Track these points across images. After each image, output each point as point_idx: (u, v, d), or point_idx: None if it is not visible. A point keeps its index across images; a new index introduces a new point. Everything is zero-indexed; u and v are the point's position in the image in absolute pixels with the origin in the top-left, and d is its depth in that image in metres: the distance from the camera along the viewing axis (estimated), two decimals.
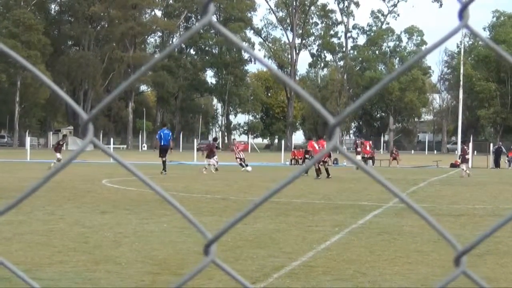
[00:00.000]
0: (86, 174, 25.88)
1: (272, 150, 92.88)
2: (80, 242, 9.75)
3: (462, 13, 0.96)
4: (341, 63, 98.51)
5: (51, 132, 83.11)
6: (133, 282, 7.24)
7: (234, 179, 25.61)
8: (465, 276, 1.06)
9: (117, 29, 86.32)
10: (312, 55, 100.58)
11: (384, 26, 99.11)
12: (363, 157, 39.13)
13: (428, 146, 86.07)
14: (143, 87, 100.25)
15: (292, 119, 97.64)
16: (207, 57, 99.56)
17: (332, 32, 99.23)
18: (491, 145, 49.55)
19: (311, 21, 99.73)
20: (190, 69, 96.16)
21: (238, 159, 33.05)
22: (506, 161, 45.80)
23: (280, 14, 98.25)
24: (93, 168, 30.99)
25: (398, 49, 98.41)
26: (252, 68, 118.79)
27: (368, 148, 42.27)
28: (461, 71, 57.98)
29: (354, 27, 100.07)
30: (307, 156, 37.10)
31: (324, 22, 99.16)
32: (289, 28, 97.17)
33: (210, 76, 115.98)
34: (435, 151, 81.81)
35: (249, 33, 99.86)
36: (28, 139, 50.29)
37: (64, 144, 34.95)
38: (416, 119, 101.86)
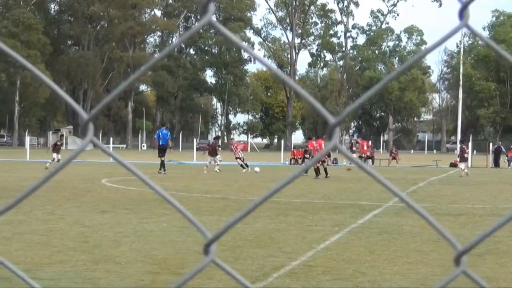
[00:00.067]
0: (85, 174, 25.88)
1: (272, 149, 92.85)
2: (80, 242, 9.75)
3: (463, 13, 0.96)
4: (341, 62, 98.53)
5: (50, 132, 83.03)
6: (132, 282, 7.24)
7: (234, 179, 25.60)
8: (465, 276, 1.06)
9: (116, 29, 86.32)
10: (312, 54, 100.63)
11: (383, 26, 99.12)
12: (360, 157, 39.08)
13: (428, 146, 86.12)
14: (143, 87, 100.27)
15: (291, 119, 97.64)
16: (206, 57, 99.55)
17: (331, 31, 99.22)
18: (491, 144, 49.56)
19: (310, 20, 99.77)
20: (189, 69, 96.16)
21: (239, 160, 32.71)
22: (506, 161, 45.80)
23: (280, 13, 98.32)
24: (92, 167, 30.97)
25: (397, 49, 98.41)
26: (252, 67, 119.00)
27: (365, 147, 42.21)
28: (461, 70, 58.08)
29: (353, 26, 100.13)
30: (306, 156, 37.06)
31: (324, 22, 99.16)
32: (288, 28, 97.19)
33: (209, 76, 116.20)
34: (435, 151, 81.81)
35: (249, 33, 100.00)
36: (27, 139, 50.27)
37: (63, 144, 34.93)
38: (415, 119, 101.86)
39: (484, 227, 10.86)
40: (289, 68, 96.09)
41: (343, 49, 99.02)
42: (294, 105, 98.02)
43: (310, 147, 30.44)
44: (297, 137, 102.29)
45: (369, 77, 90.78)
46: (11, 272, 1.11)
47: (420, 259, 8.81)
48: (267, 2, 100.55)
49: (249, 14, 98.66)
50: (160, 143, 29.28)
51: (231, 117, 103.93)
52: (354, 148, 40.74)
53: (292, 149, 49.83)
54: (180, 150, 66.95)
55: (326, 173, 26.93)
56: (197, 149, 47.59)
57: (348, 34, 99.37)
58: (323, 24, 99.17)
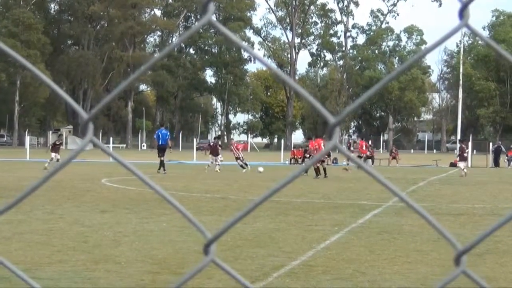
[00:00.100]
0: (85, 173, 25.88)
1: (272, 149, 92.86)
2: (80, 241, 9.75)
3: (463, 13, 0.96)
4: (341, 62, 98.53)
5: (50, 131, 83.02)
6: (132, 282, 7.24)
7: (234, 179, 25.60)
8: (465, 276, 1.06)
9: (116, 29, 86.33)
10: (312, 54, 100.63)
11: (383, 26, 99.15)
12: (359, 157, 39.01)
13: (428, 145, 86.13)
14: (143, 87, 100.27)
15: (291, 119, 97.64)
16: (206, 57, 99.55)
17: (331, 31, 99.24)
18: (491, 144, 49.57)
19: (310, 20, 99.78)
20: (189, 69, 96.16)
21: (239, 160, 32.64)
22: (506, 160, 45.81)
23: (280, 13, 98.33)
24: (92, 167, 30.97)
25: (397, 49, 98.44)
26: (252, 67, 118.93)
27: (364, 147, 42.13)
28: (461, 70, 58.04)
29: (353, 26, 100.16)
30: (306, 155, 37.04)
31: (324, 22, 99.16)
32: (288, 28, 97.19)
33: (209, 76, 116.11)
34: (435, 150, 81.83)
35: (249, 33, 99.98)
36: (27, 138, 50.28)
37: (62, 144, 34.89)
38: (415, 118, 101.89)
39: (484, 227, 10.85)
40: (289, 67, 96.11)
41: (343, 48, 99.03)
42: (294, 104, 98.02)
43: (310, 147, 30.43)
44: (297, 136, 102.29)
45: (369, 77, 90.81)
46: (11, 271, 1.11)
47: (420, 258, 8.81)
48: (267, 1, 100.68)
49: (249, 14, 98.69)
50: (160, 143, 29.31)
51: (231, 116, 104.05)
52: (352, 148, 40.64)
53: (292, 149, 49.84)
54: (180, 149, 66.97)
55: (325, 173, 26.94)
56: (197, 149, 47.57)
57: (348, 33, 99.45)
58: (323, 24, 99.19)
